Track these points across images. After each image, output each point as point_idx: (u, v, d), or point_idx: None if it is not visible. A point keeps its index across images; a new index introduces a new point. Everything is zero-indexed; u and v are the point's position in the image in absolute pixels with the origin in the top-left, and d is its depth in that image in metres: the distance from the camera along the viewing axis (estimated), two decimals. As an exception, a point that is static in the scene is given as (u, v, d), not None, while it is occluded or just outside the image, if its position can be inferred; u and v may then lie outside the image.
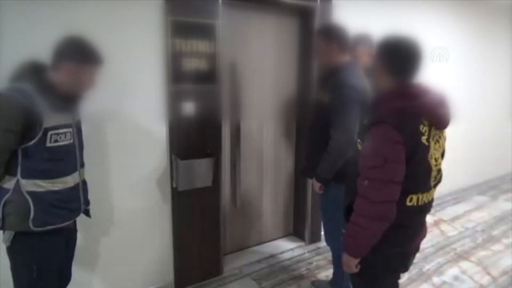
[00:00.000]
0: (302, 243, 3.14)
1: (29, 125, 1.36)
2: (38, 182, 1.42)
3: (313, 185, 2.17)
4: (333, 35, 2.00)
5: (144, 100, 2.13)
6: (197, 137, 2.34)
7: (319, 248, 3.08)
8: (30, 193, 1.41)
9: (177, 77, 2.20)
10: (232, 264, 2.80)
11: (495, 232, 3.54)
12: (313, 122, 2.18)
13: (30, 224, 1.42)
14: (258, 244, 3.09)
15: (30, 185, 1.40)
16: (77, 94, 1.54)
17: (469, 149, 4.53)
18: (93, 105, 1.71)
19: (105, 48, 1.53)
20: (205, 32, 2.25)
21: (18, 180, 1.39)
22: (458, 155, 4.15)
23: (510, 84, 5.07)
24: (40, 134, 1.38)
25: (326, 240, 2.39)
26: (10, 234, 1.44)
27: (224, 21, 2.33)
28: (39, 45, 1.46)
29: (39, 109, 1.37)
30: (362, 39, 2.20)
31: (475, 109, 4.44)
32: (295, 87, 3.00)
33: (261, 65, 2.80)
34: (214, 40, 2.29)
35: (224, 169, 2.62)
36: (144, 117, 2.16)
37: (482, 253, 3.11)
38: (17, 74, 1.43)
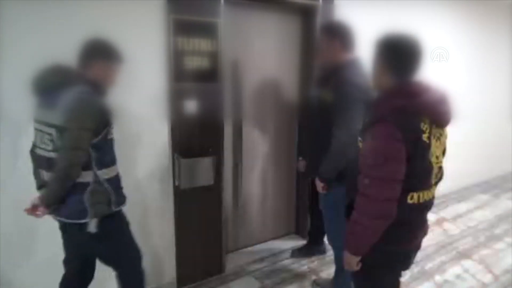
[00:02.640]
0: (304, 242, 3.13)
1: (103, 123, 1.56)
2: (106, 170, 1.62)
3: (316, 185, 2.14)
4: (336, 32, 1.99)
5: (146, 98, 2.14)
6: (199, 136, 2.35)
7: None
8: (106, 181, 1.61)
9: (179, 76, 2.20)
10: (234, 262, 2.80)
11: (497, 231, 3.53)
12: (315, 120, 2.17)
13: (113, 207, 1.64)
14: (260, 242, 3.10)
15: (103, 174, 1.60)
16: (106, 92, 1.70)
17: (471, 148, 4.51)
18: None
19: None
20: (207, 30, 2.26)
21: (95, 172, 1.57)
22: (461, 153, 4.13)
23: (511, 82, 5.05)
24: (106, 129, 1.58)
25: (328, 239, 2.39)
26: (96, 221, 1.59)
27: (226, 19, 2.33)
28: (41, 45, 1.47)
29: (109, 107, 1.59)
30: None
31: (477, 107, 4.42)
32: (297, 86, 2.99)
33: (263, 64, 2.80)
34: (216, 39, 2.30)
35: (225, 167, 2.63)
36: (146, 116, 2.16)
37: (484, 252, 3.11)
38: (50, 80, 1.54)
